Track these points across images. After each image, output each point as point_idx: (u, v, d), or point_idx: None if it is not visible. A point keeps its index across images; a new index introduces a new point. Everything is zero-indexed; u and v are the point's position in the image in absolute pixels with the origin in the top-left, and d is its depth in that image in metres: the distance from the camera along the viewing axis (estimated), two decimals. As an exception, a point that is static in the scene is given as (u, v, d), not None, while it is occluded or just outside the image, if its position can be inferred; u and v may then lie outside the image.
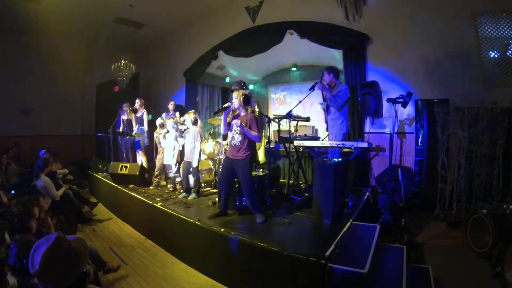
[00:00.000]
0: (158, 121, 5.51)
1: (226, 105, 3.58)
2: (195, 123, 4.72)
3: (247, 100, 3.50)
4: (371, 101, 4.22)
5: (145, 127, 6.27)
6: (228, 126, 3.59)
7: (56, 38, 7.80)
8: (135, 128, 6.28)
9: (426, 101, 4.57)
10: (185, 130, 5.00)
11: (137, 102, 6.30)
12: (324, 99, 4.25)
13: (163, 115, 6.03)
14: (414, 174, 4.65)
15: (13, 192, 4.66)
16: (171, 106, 6.32)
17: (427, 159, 4.64)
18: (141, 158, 6.42)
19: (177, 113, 6.30)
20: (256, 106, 4.78)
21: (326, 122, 4.43)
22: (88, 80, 9.05)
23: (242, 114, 3.53)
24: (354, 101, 4.96)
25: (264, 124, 5.46)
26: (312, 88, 4.07)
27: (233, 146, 3.50)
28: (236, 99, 3.51)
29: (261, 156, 4.99)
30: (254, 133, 3.38)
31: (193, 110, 5.01)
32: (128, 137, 6.42)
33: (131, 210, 4.91)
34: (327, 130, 4.49)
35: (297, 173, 4.87)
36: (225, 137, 4.65)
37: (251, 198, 3.47)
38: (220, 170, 4.15)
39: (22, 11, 6.29)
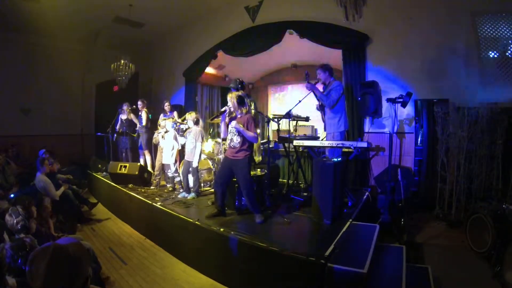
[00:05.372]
0: (161, 122, 5.51)
1: (223, 109, 3.61)
2: (197, 123, 4.73)
3: (241, 101, 3.52)
4: (370, 101, 4.21)
5: (144, 123, 6.29)
6: (227, 128, 3.60)
7: (56, 37, 7.77)
8: (138, 127, 6.31)
9: (426, 101, 4.57)
10: (186, 129, 5.00)
11: (140, 104, 6.32)
12: (316, 97, 4.26)
13: (161, 116, 6.03)
14: (413, 174, 4.64)
15: (11, 196, 4.64)
16: (166, 107, 6.32)
17: (426, 159, 4.63)
18: (145, 158, 6.43)
19: (175, 113, 6.31)
20: (252, 105, 4.79)
21: (324, 121, 4.43)
22: (88, 80, 9.03)
23: (239, 115, 3.55)
24: (353, 100, 4.97)
25: (263, 123, 5.45)
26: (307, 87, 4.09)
27: (232, 148, 3.52)
28: (230, 101, 3.52)
29: (255, 156, 4.98)
30: (250, 133, 3.40)
31: (195, 111, 5.01)
32: (126, 136, 6.43)
33: (130, 210, 4.91)
34: (325, 130, 4.48)
35: (297, 172, 4.87)
36: (225, 139, 4.66)
37: (250, 198, 3.47)
38: (218, 170, 4.15)
39: (21, 11, 6.27)
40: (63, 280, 1.27)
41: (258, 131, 5.08)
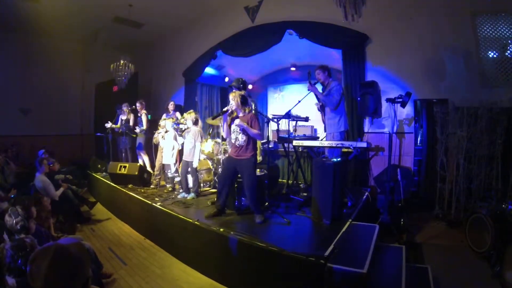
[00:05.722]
0: (161, 122, 5.51)
1: (225, 109, 3.59)
2: (195, 123, 4.73)
3: (244, 101, 3.52)
4: (370, 101, 4.21)
5: (144, 127, 6.27)
6: (229, 128, 3.59)
7: (55, 37, 7.79)
8: (137, 129, 6.30)
9: (425, 101, 4.57)
10: (185, 129, 5.00)
11: (138, 106, 6.30)
12: (318, 100, 4.27)
13: (164, 115, 6.03)
14: (413, 174, 4.65)
15: (12, 196, 4.64)
16: (171, 106, 6.32)
17: (426, 159, 4.64)
18: (143, 159, 6.42)
19: (177, 113, 6.31)
20: (253, 105, 4.79)
21: (324, 122, 4.43)
22: (87, 80, 9.03)
23: (241, 115, 3.54)
24: (353, 100, 4.97)
25: (263, 123, 5.47)
26: (309, 89, 4.11)
27: (238, 147, 3.50)
28: (233, 100, 3.51)
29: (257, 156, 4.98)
30: (255, 131, 3.40)
31: (194, 111, 5.00)
32: (126, 136, 6.42)
33: (130, 210, 4.90)
34: (325, 131, 4.48)
35: (296, 173, 4.87)
36: (224, 139, 4.65)
37: (252, 198, 3.46)
38: (221, 169, 4.15)
39: (21, 11, 6.28)
40: (64, 280, 1.27)
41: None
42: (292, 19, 5.65)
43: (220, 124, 4.56)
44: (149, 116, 6.52)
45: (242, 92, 3.66)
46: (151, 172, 5.93)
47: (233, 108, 3.53)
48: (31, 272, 1.27)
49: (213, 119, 4.68)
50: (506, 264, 2.71)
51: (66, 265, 1.28)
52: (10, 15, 6.48)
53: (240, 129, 3.45)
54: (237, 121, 3.46)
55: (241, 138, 3.46)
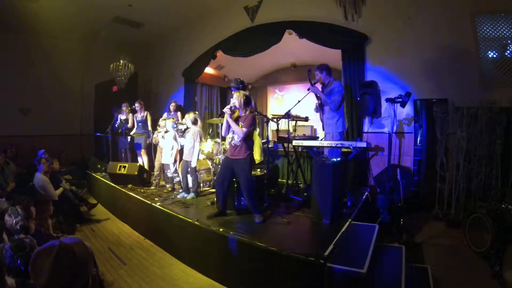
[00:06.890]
0: (161, 121, 5.51)
1: (228, 106, 3.58)
2: (195, 122, 4.72)
3: (248, 101, 3.51)
4: (370, 101, 4.23)
5: (149, 127, 6.26)
6: (228, 127, 3.58)
7: (55, 37, 7.78)
8: (134, 128, 6.28)
9: (425, 101, 4.57)
10: (185, 130, 5.00)
11: (137, 106, 6.28)
12: (318, 98, 4.26)
13: (165, 115, 6.01)
14: (412, 173, 4.65)
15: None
16: (172, 106, 6.31)
17: (425, 159, 4.64)
18: (142, 158, 6.42)
19: (179, 113, 6.28)
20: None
21: (322, 120, 4.43)
22: (87, 80, 9.02)
23: (243, 114, 3.53)
24: (352, 100, 4.97)
25: (263, 123, 5.47)
26: (309, 89, 4.10)
27: (233, 146, 3.50)
28: (237, 100, 3.49)
29: (257, 155, 4.98)
30: (236, 126, 3.38)
31: (193, 111, 5.02)
32: (126, 136, 6.41)
33: (129, 210, 4.90)
34: (323, 129, 4.48)
35: (296, 172, 4.87)
36: (224, 138, 4.66)
37: (250, 198, 3.46)
38: (219, 170, 4.15)
39: (20, 11, 6.27)
40: (67, 278, 1.27)
41: (257, 132, 5.09)
42: (292, 19, 5.65)
43: (222, 123, 4.57)
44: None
45: (246, 93, 3.66)
46: (151, 172, 5.92)
47: (237, 106, 3.52)
48: (34, 268, 1.27)
49: (218, 116, 4.68)
50: (506, 264, 2.72)
51: (70, 263, 1.28)
52: (10, 15, 6.47)
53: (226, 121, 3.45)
54: (225, 109, 3.45)
55: (237, 137, 3.45)
